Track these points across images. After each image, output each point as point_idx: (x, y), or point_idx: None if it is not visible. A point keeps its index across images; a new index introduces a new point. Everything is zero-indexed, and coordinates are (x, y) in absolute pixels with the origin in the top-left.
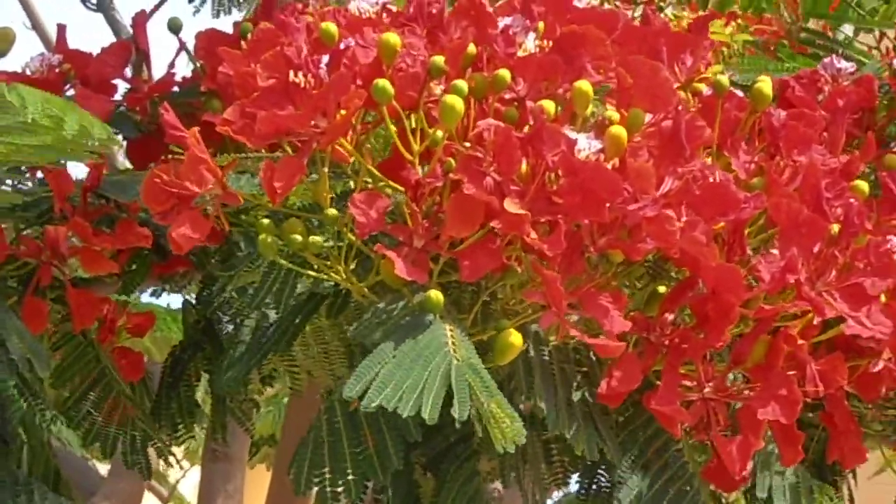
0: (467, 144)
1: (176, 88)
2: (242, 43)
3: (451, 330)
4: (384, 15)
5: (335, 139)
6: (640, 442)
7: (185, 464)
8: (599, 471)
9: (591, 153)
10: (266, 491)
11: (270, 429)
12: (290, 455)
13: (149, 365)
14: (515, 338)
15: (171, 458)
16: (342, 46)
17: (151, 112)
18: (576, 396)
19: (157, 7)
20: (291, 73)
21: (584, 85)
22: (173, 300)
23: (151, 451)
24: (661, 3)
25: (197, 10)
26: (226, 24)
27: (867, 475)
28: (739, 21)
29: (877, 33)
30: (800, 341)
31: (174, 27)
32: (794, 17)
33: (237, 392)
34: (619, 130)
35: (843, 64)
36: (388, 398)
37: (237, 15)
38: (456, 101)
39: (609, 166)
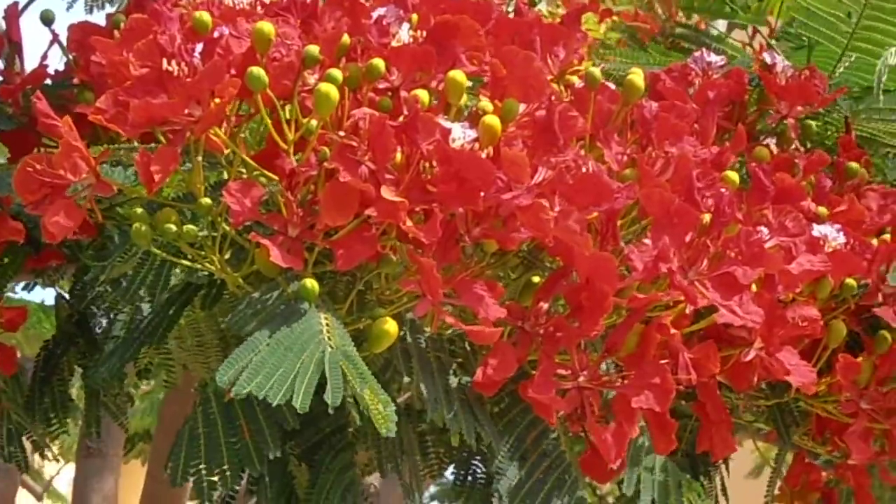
0: (342, 134)
1: (49, 81)
2: (115, 33)
3: (325, 318)
4: (258, 6)
5: (209, 128)
6: (518, 431)
7: (60, 460)
8: (474, 461)
9: (466, 142)
10: (141, 486)
11: (145, 424)
12: (164, 450)
13: (21, 361)
14: (390, 325)
15: (48, 453)
16: (216, 35)
17: (24, 104)
18: (452, 384)
19: (30, 1)
20: (165, 62)
21: (457, 75)
22: (47, 296)
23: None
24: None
25: (70, 6)
26: (99, 19)
27: (744, 473)
28: (615, 18)
29: (749, 30)
30: (672, 330)
31: (46, 19)
32: (668, 14)
33: (111, 386)
34: (492, 120)
35: (713, 58)
36: (260, 386)
37: (110, 10)
38: (330, 90)
39: (483, 155)
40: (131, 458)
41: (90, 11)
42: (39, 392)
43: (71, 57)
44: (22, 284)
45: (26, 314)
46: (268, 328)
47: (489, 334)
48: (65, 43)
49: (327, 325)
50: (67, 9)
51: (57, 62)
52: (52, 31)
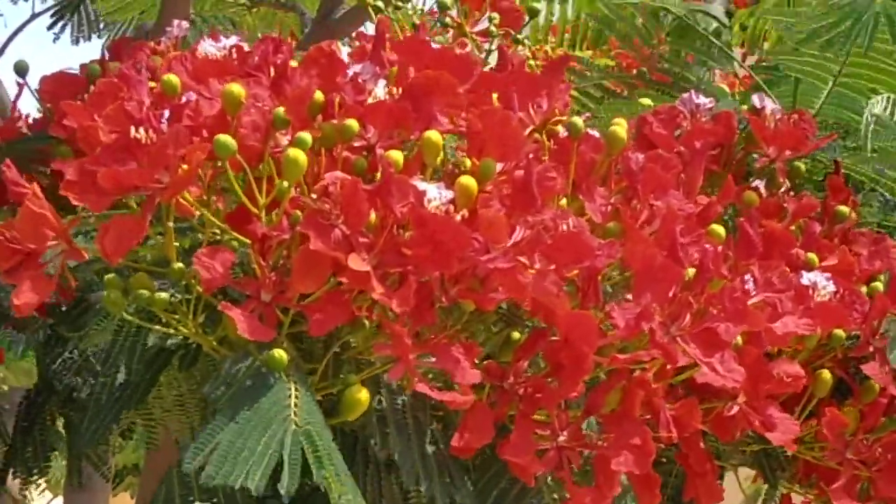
0: (314, 197)
1: (26, 131)
2: (91, 88)
3: (295, 390)
4: (232, 57)
5: (178, 193)
6: (500, 489)
7: (48, 494)
8: None
9: (442, 203)
10: None
11: (134, 458)
12: (153, 484)
13: (7, 392)
14: (363, 394)
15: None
16: (184, 100)
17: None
18: (430, 449)
19: (10, 39)
20: (132, 129)
21: (433, 135)
22: None
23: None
24: (518, 37)
25: (57, 37)
26: (85, 50)
27: None
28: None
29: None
30: (654, 385)
31: (20, 70)
32: (648, 67)
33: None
34: (468, 181)
35: (702, 99)
36: (227, 475)
37: (97, 42)
38: (299, 155)
39: (459, 217)
40: (120, 490)
41: (76, 42)
42: (22, 441)
43: (45, 108)
44: None
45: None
46: (234, 405)
47: (462, 402)
48: (38, 95)
49: (296, 397)
50: (54, 40)
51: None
52: (22, 83)
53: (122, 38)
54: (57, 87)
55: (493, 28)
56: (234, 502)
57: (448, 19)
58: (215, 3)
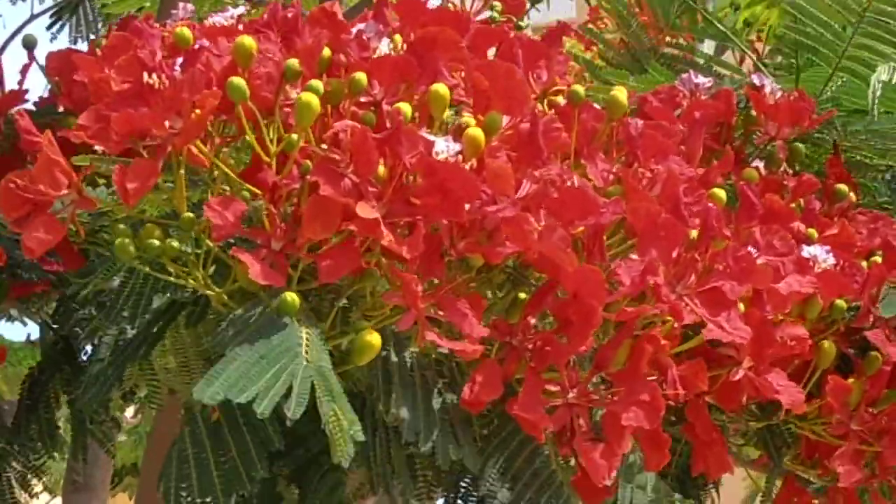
0: (324, 147)
1: (32, 107)
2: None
3: (306, 333)
4: (239, 25)
5: (190, 140)
6: (508, 451)
7: (47, 495)
8: (463, 484)
9: (450, 155)
10: None
11: (132, 458)
12: (153, 483)
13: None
14: (374, 337)
15: (34, 487)
16: (197, 46)
17: (6, 130)
18: (436, 405)
19: (9, 40)
20: (145, 75)
21: (440, 88)
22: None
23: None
24: (521, 24)
25: (54, 37)
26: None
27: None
28: (601, 46)
29: (738, 54)
30: (663, 341)
31: (28, 44)
32: (656, 41)
33: (97, 413)
34: (476, 132)
35: (701, 79)
36: (235, 391)
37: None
38: (311, 99)
39: (467, 167)
40: (118, 491)
41: (74, 42)
42: (25, 420)
43: (53, 83)
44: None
45: (4, 353)
46: (247, 342)
47: (472, 350)
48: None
49: (307, 339)
50: (51, 40)
51: (41, 90)
52: (31, 56)
53: (129, 15)
54: (63, 64)
55: (495, 15)
56: (249, 459)
57: (450, 5)
58: (214, 3)
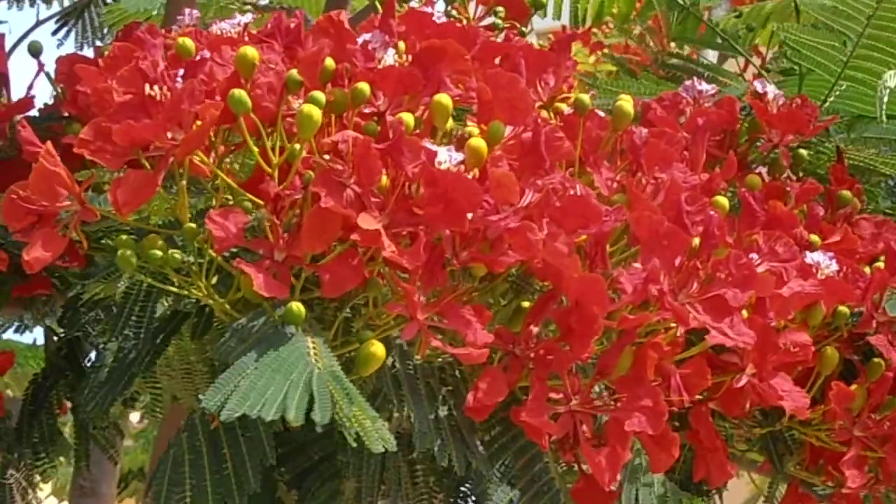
0: (327, 157)
1: (37, 114)
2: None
3: (313, 342)
4: (245, 35)
5: (192, 151)
6: (508, 457)
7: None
8: (464, 488)
9: (452, 165)
10: None
11: (139, 462)
12: None
13: (7, 404)
14: (377, 348)
15: (38, 492)
16: (199, 57)
17: (11, 136)
18: (442, 412)
19: (14, 46)
20: (147, 87)
21: (443, 98)
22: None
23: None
24: (524, 30)
25: (61, 43)
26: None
27: None
28: (605, 51)
29: (741, 60)
30: (666, 347)
31: (34, 50)
32: (660, 46)
33: (100, 419)
34: (478, 142)
35: (704, 86)
36: (251, 407)
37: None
38: (313, 110)
39: (469, 177)
40: (125, 496)
41: (80, 48)
42: (28, 426)
43: (59, 89)
44: (14, 326)
45: (13, 359)
46: (255, 352)
47: (477, 355)
48: (54, 76)
49: (314, 347)
50: (58, 46)
51: (46, 97)
52: (39, 62)
53: (133, 22)
54: (72, 69)
55: (498, 21)
56: (244, 472)
57: (455, 12)
58: (218, 11)
